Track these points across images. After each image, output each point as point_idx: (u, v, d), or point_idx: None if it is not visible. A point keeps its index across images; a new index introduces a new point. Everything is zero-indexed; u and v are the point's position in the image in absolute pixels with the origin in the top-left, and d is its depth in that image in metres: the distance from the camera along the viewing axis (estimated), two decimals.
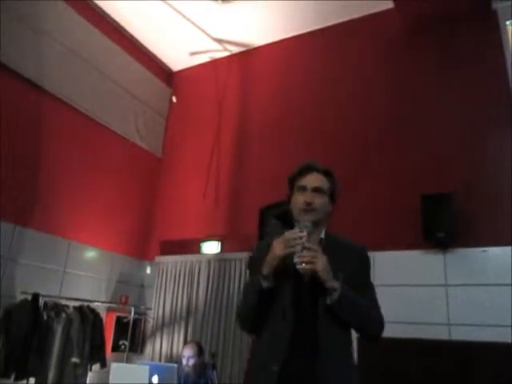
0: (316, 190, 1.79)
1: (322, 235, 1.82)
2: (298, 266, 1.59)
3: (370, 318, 1.72)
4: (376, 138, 4.35)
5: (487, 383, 2.76)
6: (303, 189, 1.80)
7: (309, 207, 1.75)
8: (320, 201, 1.78)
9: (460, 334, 3.33)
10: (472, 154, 3.85)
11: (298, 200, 1.78)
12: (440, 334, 3.42)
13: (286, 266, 1.63)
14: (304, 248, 1.60)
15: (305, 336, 1.62)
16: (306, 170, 1.84)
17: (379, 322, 1.76)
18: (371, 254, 4.12)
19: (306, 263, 1.58)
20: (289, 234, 1.64)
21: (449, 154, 3.93)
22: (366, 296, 1.73)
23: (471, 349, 2.91)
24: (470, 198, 3.69)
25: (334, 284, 1.61)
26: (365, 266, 1.84)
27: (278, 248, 1.63)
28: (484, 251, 3.55)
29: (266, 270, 1.64)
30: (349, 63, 4.81)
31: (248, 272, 1.91)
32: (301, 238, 1.61)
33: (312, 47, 5.15)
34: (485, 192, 3.69)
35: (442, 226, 3.60)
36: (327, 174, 1.86)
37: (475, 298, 3.45)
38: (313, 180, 1.81)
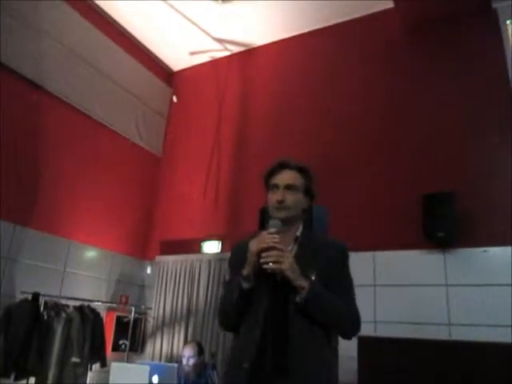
0: (288, 187, 1.79)
1: (298, 232, 1.82)
2: (265, 266, 1.62)
3: (342, 316, 1.72)
4: (376, 137, 4.35)
5: (488, 383, 2.76)
6: (276, 187, 1.80)
7: (280, 205, 1.76)
8: (292, 198, 1.78)
9: (460, 334, 3.33)
10: (472, 154, 3.85)
11: (271, 198, 1.80)
12: (440, 334, 3.42)
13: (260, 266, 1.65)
14: (271, 247, 1.63)
15: (275, 334, 1.62)
16: (279, 167, 1.84)
17: (352, 320, 1.75)
18: (372, 254, 4.13)
19: (273, 263, 1.61)
20: (263, 233, 1.69)
21: (449, 153, 3.93)
22: (342, 294, 1.73)
23: (471, 349, 2.90)
24: (471, 198, 3.69)
25: (302, 282, 1.62)
26: (342, 263, 1.83)
27: (253, 246, 1.67)
28: (484, 251, 3.55)
29: (246, 271, 1.67)
30: (348, 63, 4.81)
31: (228, 270, 1.91)
32: (273, 236, 1.66)
33: (312, 47, 5.14)
34: (485, 192, 3.69)
35: (442, 226, 3.60)
36: (301, 170, 1.85)
37: (475, 298, 3.45)
38: (285, 177, 1.81)
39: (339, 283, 1.76)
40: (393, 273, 3.85)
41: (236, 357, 1.69)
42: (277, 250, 1.63)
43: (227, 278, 1.90)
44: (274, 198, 1.79)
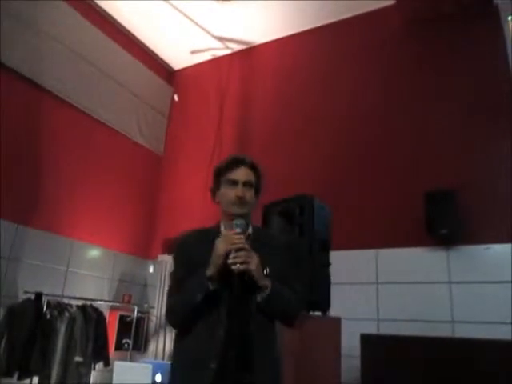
0: (245, 183, 1.81)
1: (250, 230, 1.84)
2: (233, 267, 1.63)
3: (292, 309, 1.80)
4: (377, 135, 4.34)
5: (490, 380, 2.76)
6: (234, 183, 1.81)
7: (241, 201, 1.78)
8: (250, 194, 1.81)
9: (463, 332, 3.33)
10: (474, 151, 3.84)
11: (229, 194, 1.80)
12: (443, 331, 3.41)
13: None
14: (239, 249, 1.65)
15: (239, 333, 1.66)
16: (236, 163, 1.84)
17: (297, 310, 1.84)
18: (375, 252, 4.12)
19: (241, 263, 1.63)
20: (230, 233, 1.71)
21: (451, 150, 3.92)
22: (291, 286, 1.79)
23: (474, 346, 2.90)
24: (473, 196, 3.68)
25: (266, 282, 1.67)
26: (291, 256, 1.88)
27: (221, 247, 1.67)
28: (487, 248, 3.54)
29: (210, 271, 1.66)
30: (348, 60, 4.79)
31: (174, 264, 1.86)
32: (240, 237, 1.68)
33: (313, 45, 5.13)
34: (488, 189, 3.68)
35: (445, 224, 3.60)
36: (255, 167, 1.88)
37: (478, 295, 3.44)
38: (243, 174, 1.82)
39: (289, 275, 1.82)
40: (395, 270, 3.84)
41: (198, 357, 1.65)
42: (245, 250, 1.65)
43: (175, 274, 1.83)
44: (232, 193, 1.79)
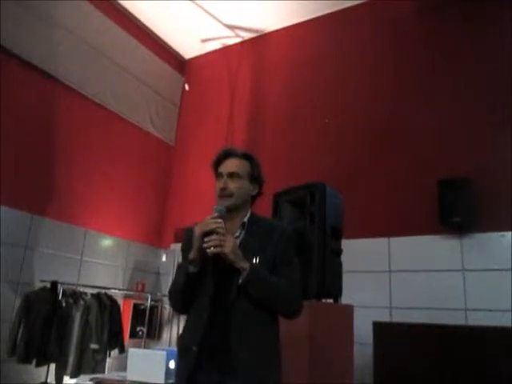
0: (231, 175, 1.83)
1: (245, 219, 1.86)
2: (208, 250, 1.66)
3: (283, 297, 1.76)
4: (389, 122, 4.29)
5: (504, 368, 2.74)
6: (220, 175, 1.86)
7: (223, 193, 1.81)
8: (236, 185, 1.83)
9: (477, 320, 3.31)
10: (488, 138, 3.77)
11: (217, 186, 1.85)
12: (457, 319, 3.39)
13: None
14: (213, 232, 1.67)
15: (220, 318, 1.69)
16: (223, 156, 1.89)
17: (293, 300, 1.79)
18: (387, 240, 4.10)
19: (214, 246, 1.65)
20: (206, 217, 1.73)
21: (464, 138, 3.87)
22: (286, 275, 1.77)
23: (488, 334, 2.88)
24: (487, 183, 3.63)
25: (243, 264, 1.67)
26: (287, 245, 1.85)
27: (196, 230, 1.71)
28: (502, 235, 3.50)
29: (191, 255, 1.71)
30: (360, 47, 4.73)
31: (181, 255, 1.95)
32: (215, 220, 1.70)
33: (323, 32, 5.07)
34: (502, 176, 3.62)
35: (458, 211, 3.56)
36: (246, 157, 1.90)
37: (492, 282, 3.42)
38: (228, 166, 1.86)
39: (285, 265, 1.80)
40: (408, 258, 3.82)
41: (185, 340, 1.77)
42: (218, 233, 1.67)
43: (179, 265, 1.92)
44: (218, 185, 1.84)
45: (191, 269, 1.71)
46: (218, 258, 1.68)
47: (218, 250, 1.66)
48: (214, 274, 1.74)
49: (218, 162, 1.90)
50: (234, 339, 1.65)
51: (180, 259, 1.97)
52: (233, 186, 1.82)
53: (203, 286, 1.73)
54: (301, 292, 1.83)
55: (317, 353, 2.54)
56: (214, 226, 1.69)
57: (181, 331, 1.91)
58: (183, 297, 1.79)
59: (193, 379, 1.67)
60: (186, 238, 1.92)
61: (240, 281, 1.67)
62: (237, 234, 1.82)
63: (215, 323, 1.69)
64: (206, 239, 1.67)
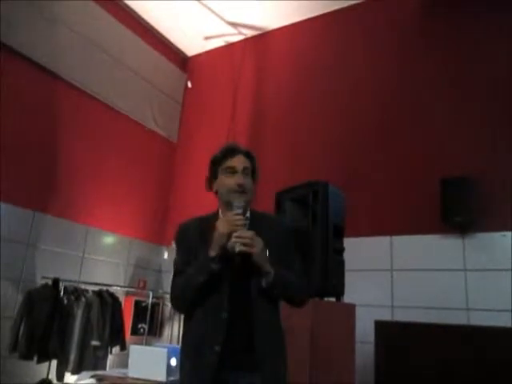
0: (244, 171, 1.83)
1: (248, 214, 1.85)
2: (237, 248, 1.64)
3: (297, 291, 1.82)
4: (393, 119, 4.28)
5: (505, 368, 2.74)
6: (233, 171, 1.82)
7: (241, 189, 1.79)
8: (249, 181, 1.84)
9: (479, 319, 3.30)
10: (491, 137, 3.76)
11: (228, 182, 1.80)
12: (458, 318, 3.39)
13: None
14: (241, 232, 1.66)
15: (241, 316, 1.68)
16: (233, 152, 1.86)
17: (304, 291, 1.87)
18: (389, 239, 4.09)
19: (245, 245, 1.64)
20: (231, 214, 1.71)
21: (467, 137, 3.85)
22: (292, 269, 1.80)
23: (489, 334, 2.87)
24: (490, 182, 3.62)
25: (268, 268, 1.68)
26: (289, 238, 1.90)
27: (222, 227, 1.68)
28: (504, 235, 3.49)
29: (213, 252, 1.67)
30: (363, 45, 4.70)
31: (176, 252, 1.89)
32: (241, 218, 1.70)
33: (326, 29, 5.05)
34: (504, 176, 3.61)
35: (460, 211, 3.55)
36: (249, 155, 1.90)
37: (494, 282, 3.41)
38: (241, 161, 1.84)
39: (288, 257, 1.83)
40: (410, 257, 3.82)
41: (203, 341, 1.68)
42: (250, 232, 1.67)
43: (177, 261, 1.86)
44: (232, 181, 1.80)
45: (214, 266, 1.67)
46: (237, 256, 1.67)
47: (247, 249, 1.64)
48: (231, 271, 1.71)
49: (224, 158, 1.85)
50: (258, 338, 1.67)
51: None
52: (248, 182, 1.82)
53: (218, 283, 1.70)
54: (307, 281, 1.88)
55: (318, 351, 2.54)
56: (240, 223, 1.68)
57: (185, 330, 1.84)
58: (197, 295, 1.72)
59: (218, 380, 1.64)
60: (183, 231, 1.90)
61: (264, 284, 1.68)
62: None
63: (236, 323, 1.67)
64: (235, 236, 1.65)
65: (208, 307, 1.71)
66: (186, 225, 1.91)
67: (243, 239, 1.64)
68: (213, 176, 1.88)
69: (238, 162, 1.83)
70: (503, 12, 3.95)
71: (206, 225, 1.81)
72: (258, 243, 1.66)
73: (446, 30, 4.25)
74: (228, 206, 1.79)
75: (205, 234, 1.75)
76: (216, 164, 1.87)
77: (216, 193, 1.89)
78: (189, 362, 1.73)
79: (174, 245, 1.88)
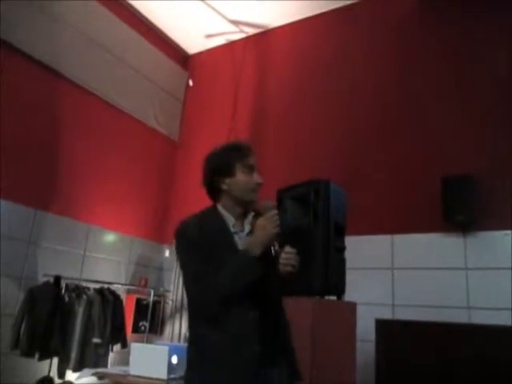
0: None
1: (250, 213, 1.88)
2: (283, 268, 1.65)
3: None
4: (394, 118, 4.27)
5: (506, 367, 2.74)
6: (252, 169, 1.81)
7: (259, 187, 1.81)
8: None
9: (480, 318, 3.30)
10: (493, 135, 3.75)
11: (250, 180, 1.79)
12: (459, 317, 3.39)
13: None
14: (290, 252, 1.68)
15: (267, 315, 1.71)
16: (250, 149, 1.84)
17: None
18: (390, 237, 4.08)
19: (292, 266, 1.65)
20: (272, 215, 1.67)
21: (469, 135, 3.85)
22: None
23: (490, 333, 2.88)
24: (491, 181, 3.61)
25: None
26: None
27: (270, 227, 1.65)
28: (505, 234, 3.49)
29: (259, 251, 1.62)
30: (364, 43, 4.70)
31: (187, 251, 1.74)
32: (277, 218, 1.68)
33: (328, 27, 5.04)
34: (506, 174, 3.60)
35: (462, 209, 3.55)
36: None
37: (496, 281, 3.41)
38: (255, 160, 1.84)
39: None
40: (411, 256, 3.81)
41: (237, 342, 1.62)
42: (292, 253, 1.67)
43: (195, 260, 1.68)
44: (252, 180, 1.79)
45: (260, 265, 1.63)
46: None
47: (292, 269, 1.65)
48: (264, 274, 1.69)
49: (243, 156, 1.81)
50: (286, 338, 1.83)
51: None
52: None
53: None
54: None
55: (319, 349, 2.55)
56: (278, 223, 1.66)
57: (204, 331, 1.70)
58: (241, 295, 1.63)
59: (262, 379, 1.63)
60: (196, 228, 1.75)
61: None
62: (246, 230, 1.81)
63: (264, 322, 1.68)
64: (285, 257, 1.65)
65: (237, 307, 1.64)
66: (192, 222, 1.80)
67: (292, 260, 1.66)
68: (227, 173, 1.79)
69: (255, 160, 1.83)
70: (503, 12, 3.95)
71: (211, 223, 1.78)
72: (298, 262, 1.67)
73: (446, 29, 4.24)
74: (244, 204, 1.79)
75: (215, 233, 1.74)
76: (234, 161, 1.79)
77: (220, 190, 1.82)
78: (221, 364, 1.62)
79: (175, 242, 1.81)
